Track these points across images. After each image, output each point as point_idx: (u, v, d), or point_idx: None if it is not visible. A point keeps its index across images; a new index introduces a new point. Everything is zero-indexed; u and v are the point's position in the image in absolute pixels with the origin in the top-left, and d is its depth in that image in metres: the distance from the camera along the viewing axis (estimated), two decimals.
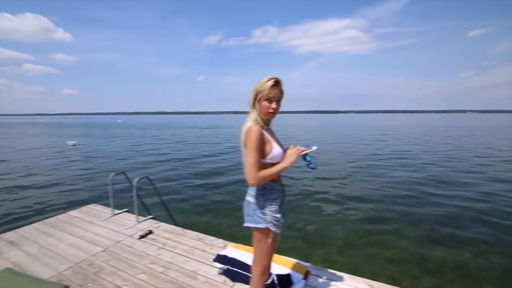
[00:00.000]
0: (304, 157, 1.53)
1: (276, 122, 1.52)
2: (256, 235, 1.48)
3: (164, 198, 4.17)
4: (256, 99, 1.45)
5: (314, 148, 1.51)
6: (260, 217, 1.45)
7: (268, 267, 1.52)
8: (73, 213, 3.71)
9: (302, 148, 1.51)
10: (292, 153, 1.42)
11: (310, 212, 5.18)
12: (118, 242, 2.85)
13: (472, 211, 5.13)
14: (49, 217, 3.60)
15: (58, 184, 7.44)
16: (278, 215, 1.45)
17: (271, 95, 1.41)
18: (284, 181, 1.60)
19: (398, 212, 5.12)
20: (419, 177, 7.84)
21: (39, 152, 14.10)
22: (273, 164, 1.43)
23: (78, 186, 7.31)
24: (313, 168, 1.54)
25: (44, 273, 2.30)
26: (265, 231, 1.45)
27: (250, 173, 1.34)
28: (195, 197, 6.16)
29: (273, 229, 1.43)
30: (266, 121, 1.49)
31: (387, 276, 3.08)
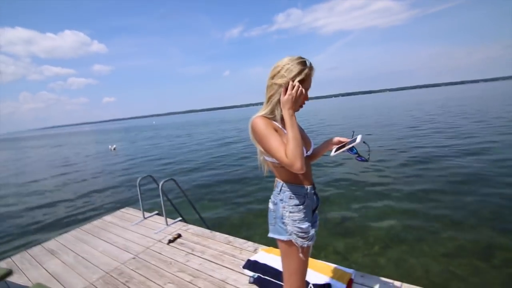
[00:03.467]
0: (349, 150, 1.25)
1: (304, 109, 1.20)
2: (280, 248, 1.22)
3: (193, 198, 4.09)
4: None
5: (359, 138, 1.19)
6: (281, 227, 1.17)
7: (300, 285, 1.25)
8: (107, 218, 3.78)
9: (342, 140, 1.28)
10: (284, 98, 1.09)
11: (348, 204, 4.76)
12: (147, 248, 2.79)
13: None
14: (87, 222, 3.72)
15: (99, 187, 7.89)
16: (304, 225, 1.16)
17: (308, 86, 1.15)
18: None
19: (452, 204, 4.46)
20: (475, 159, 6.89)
21: (86, 158, 15.28)
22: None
23: (117, 188, 7.68)
24: (364, 160, 1.29)
25: (77, 284, 2.30)
26: (290, 244, 1.17)
27: (283, 159, 1.04)
28: (225, 196, 6.05)
29: (298, 242, 1.15)
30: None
31: (444, 276, 2.63)
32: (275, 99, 1.12)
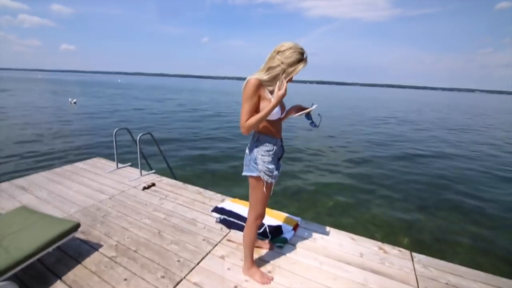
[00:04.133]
0: (307, 116, 1.62)
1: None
2: (250, 183, 1.61)
3: (166, 155, 4.32)
4: (280, 75, 1.40)
5: (314, 106, 1.57)
6: (254, 166, 1.55)
7: (261, 213, 1.68)
8: (79, 164, 3.88)
9: (302, 107, 1.61)
10: (279, 94, 1.39)
11: (305, 174, 5.39)
12: (123, 191, 3.04)
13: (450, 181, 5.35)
14: (56, 167, 3.78)
15: (62, 139, 7.61)
16: (271, 166, 1.55)
17: (297, 73, 1.41)
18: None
19: (388, 180, 5.34)
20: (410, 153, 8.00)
21: (43, 109, 14.11)
22: (268, 121, 1.52)
23: (81, 141, 7.50)
24: (315, 126, 1.66)
25: (55, 215, 2.50)
26: (258, 179, 1.56)
27: (240, 121, 1.42)
28: (196, 156, 6.36)
29: (265, 178, 1.54)
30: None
31: (370, 236, 3.35)
32: (274, 72, 1.40)
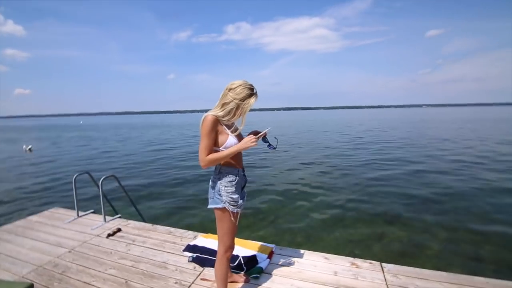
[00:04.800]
0: (263, 139, 1.70)
1: (250, 120, 1.60)
2: (216, 215, 1.62)
3: (131, 197, 4.12)
4: (234, 109, 1.51)
5: (268, 129, 1.67)
6: (218, 198, 1.58)
7: (230, 245, 1.67)
8: (33, 218, 3.53)
9: (258, 131, 1.66)
10: (246, 141, 1.53)
11: (280, 203, 5.43)
12: (84, 242, 2.81)
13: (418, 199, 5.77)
14: (6, 223, 3.40)
15: (14, 191, 6.90)
16: (235, 196, 1.59)
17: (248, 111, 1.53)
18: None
19: (357, 196, 5.58)
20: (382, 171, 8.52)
21: None
22: None
23: (37, 190, 6.86)
24: (273, 148, 1.72)
25: (5, 279, 2.22)
26: (224, 211, 1.59)
27: (199, 156, 1.49)
28: (164, 194, 6.12)
29: (230, 208, 1.58)
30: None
31: (344, 252, 3.41)
32: (228, 107, 1.51)
